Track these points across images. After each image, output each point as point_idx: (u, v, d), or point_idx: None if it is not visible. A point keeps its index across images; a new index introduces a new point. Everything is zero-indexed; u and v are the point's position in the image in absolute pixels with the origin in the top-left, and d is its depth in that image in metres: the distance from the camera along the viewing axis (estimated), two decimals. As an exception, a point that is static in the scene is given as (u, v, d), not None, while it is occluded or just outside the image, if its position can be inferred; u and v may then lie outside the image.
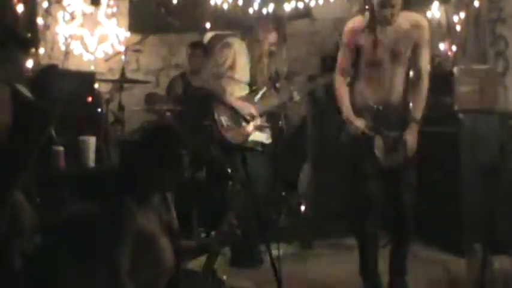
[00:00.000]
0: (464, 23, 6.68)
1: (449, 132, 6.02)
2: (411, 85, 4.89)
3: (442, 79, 6.25)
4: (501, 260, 5.20)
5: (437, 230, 6.08)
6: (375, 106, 4.80)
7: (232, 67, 5.64)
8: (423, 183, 6.20)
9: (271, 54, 5.76)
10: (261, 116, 5.76)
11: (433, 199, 6.14)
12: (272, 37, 5.72)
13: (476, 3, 6.47)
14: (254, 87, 5.73)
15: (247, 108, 5.66)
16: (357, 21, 4.95)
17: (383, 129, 4.81)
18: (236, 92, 5.70)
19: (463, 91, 6.01)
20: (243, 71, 5.67)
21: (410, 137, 4.81)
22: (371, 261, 5.03)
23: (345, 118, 4.90)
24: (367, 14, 4.85)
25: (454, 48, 6.83)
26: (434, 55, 6.84)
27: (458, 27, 6.76)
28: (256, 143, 5.69)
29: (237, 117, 5.64)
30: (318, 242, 6.45)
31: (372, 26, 4.76)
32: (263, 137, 5.77)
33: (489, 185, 5.62)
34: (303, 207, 6.79)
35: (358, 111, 4.89)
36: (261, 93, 5.74)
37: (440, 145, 6.12)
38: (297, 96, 5.82)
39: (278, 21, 5.92)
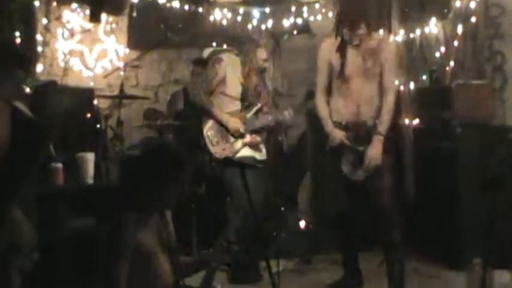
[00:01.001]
0: (462, 38, 6.69)
1: (447, 147, 6.03)
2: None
3: (440, 94, 6.29)
4: (500, 275, 5.20)
5: (436, 244, 6.07)
6: (343, 122, 5.13)
7: (223, 82, 5.63)
8: (422, 197, 6.22)
9: (260, 70, 5.74)
10: (254, 132, 5.71)
11: (432, 214, 6.14)
12: (261, 53, 5.70)
13: (474, 19, 6.49)
14: (247, 103, 5.70)
15: (234, 125, 5.62)
16: (329, 42, 5.26)
17: (351, 144, 5.08)
18: (229, 107, 5.67)
19: (461, 106, 6.02)
20: (234, 86, 5.64)
21: (373, 150, 5.01)
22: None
23: (325, 130, 5.25)
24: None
25: (452, 63, 6.84)
26: (433, 70, 6.89)
27: (456, 43, 6.78)
28: (248, 158, 5.61)
29: (225, 132, 5.62)
30: (318, 257, 6.44)
31: (341, 47, 5.08)
32: (256, 154, 5.70)
33: (488, 200, 5.63)
34: (302, 223, 6.78)
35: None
36: (255, 109, 5.71)
37: (438, 159, 6.13)
38: (289, 114, 5.80)
39: (268, 37, 5.91)
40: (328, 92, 5.28)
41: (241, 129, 5.58)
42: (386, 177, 5.07)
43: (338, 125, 5.16)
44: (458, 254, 5.82)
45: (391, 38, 5.38)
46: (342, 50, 5.07)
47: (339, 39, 5.10)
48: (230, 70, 5.65)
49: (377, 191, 5.05)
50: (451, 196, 5.97)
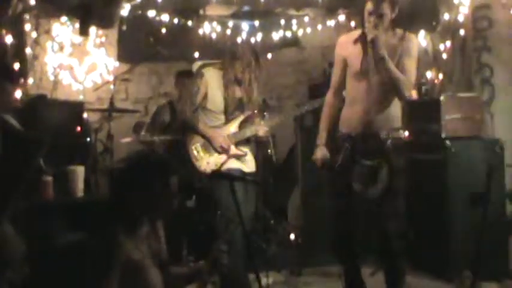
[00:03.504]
0: (450, 51, 6.74)
1: (436, 160, 6.05)
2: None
3: (429, 107, 6.31)
4: (489, 286, 5.22)
5: (426, 256, 6.09)
6: (352, 134, 4.75)
7: (206, 97, 5.57)
8: (411, 210, 6.23)
9: (239, 82, 5.64)
10: (239, 144, 5.65)
11: (421, 226, 6.16)
12: (239, 64, 5.61)
13: (462, 32, 6.54)
14: (230, 117, 5.64)
15: (218, 139, 5.55)
16: (349, 35, 5.01)
17: (360, 158, 4.71)
18: (212, 122, 5.61)
19: (449, 118, 6.05)
20: (216, 100, 5.57)
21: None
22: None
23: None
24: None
25: (440, 76, 6.88)
26: (421, 83, 6.92)
27: (444, 56, 6.82)
28: (235, 171, 5.56)
29: (208, 147, 5.56)
30: (307, 269, 6.45)
31: (361, 38, 4.74)
32: (243, 166, 5.64)
33: (476, 212, 5.65)
34: (292, 236, 6.79)
35: (342, 140, 4.85)
36: (237, 122, 5.65)
37: (427, 172, 6.15)
38: (263, 128, 5.71)
39: (244, 49, 5.83)
40: (342, 95, 5.00)
41: (224, 145, 5.51)
42: (397, 197, 4.80)
43: (346, 137, 4.81)
44: (447, 265, 5.84)
45: (414, 37, 4.90)
46: (361, 41, 4.72)
47: (358, 32, 4.81)
48: (211, 84, 5.58)
49: (387, 211, 4.74)
50: (440, 208, 5.99)
